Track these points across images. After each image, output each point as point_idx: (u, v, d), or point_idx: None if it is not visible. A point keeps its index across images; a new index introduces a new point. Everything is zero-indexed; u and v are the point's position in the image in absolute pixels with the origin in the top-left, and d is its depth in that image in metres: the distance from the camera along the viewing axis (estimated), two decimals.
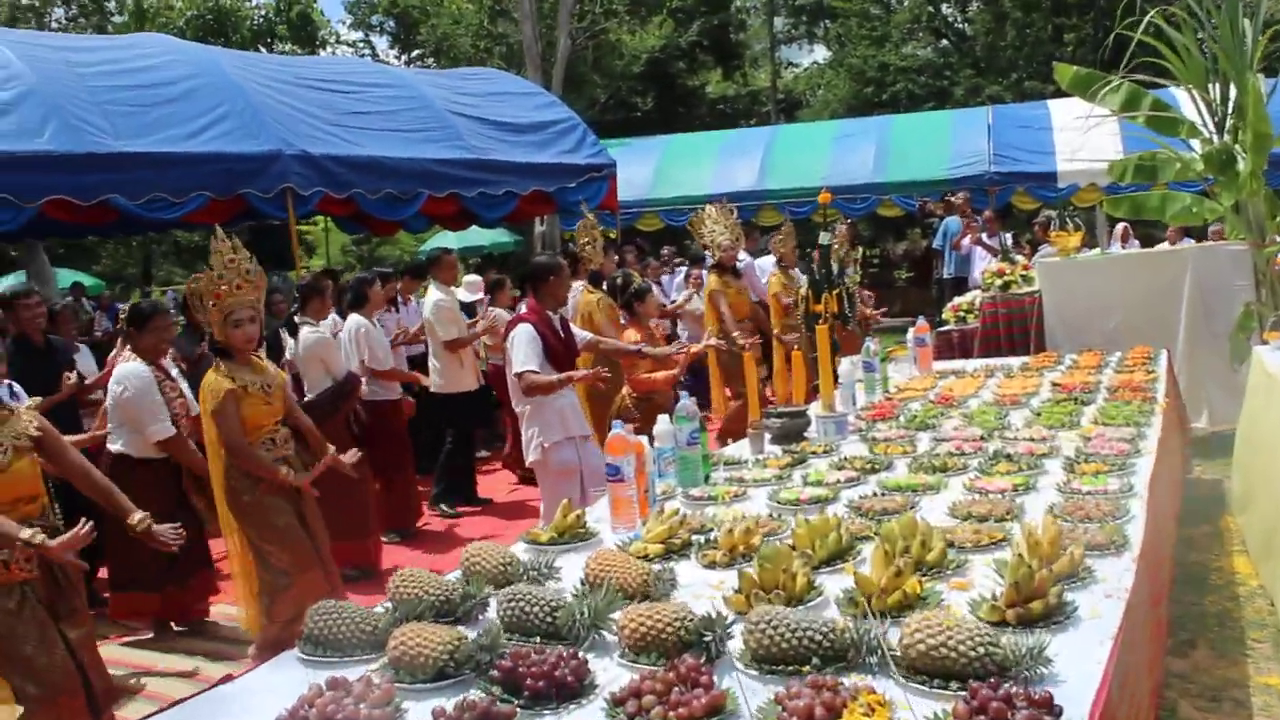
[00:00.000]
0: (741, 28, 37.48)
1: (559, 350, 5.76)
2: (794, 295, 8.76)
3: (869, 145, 17.57)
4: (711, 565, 3.00)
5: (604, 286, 7.94)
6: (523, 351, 5.66)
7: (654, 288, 7.38)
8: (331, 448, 5.11)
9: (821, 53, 38.71)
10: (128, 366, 5.86)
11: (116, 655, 5.88)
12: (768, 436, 4.71)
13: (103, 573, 6.89)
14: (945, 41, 31.65)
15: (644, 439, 3.61)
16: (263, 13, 24.15)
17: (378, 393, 7.58)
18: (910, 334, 6.76)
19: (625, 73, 31.42)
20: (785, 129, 22.66)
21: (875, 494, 3.61)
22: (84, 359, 7.26)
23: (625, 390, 6.44)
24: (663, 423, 4.03)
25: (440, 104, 11.23)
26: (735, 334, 8.09)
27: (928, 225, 16.36)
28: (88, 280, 23.33)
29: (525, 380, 5.60)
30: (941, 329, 8.97)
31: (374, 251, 32.79)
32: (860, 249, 9.85)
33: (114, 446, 6.03)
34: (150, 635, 6.21)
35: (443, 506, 8.44)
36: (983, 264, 12.24)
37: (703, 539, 3.21)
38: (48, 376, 6.08)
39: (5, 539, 3.61)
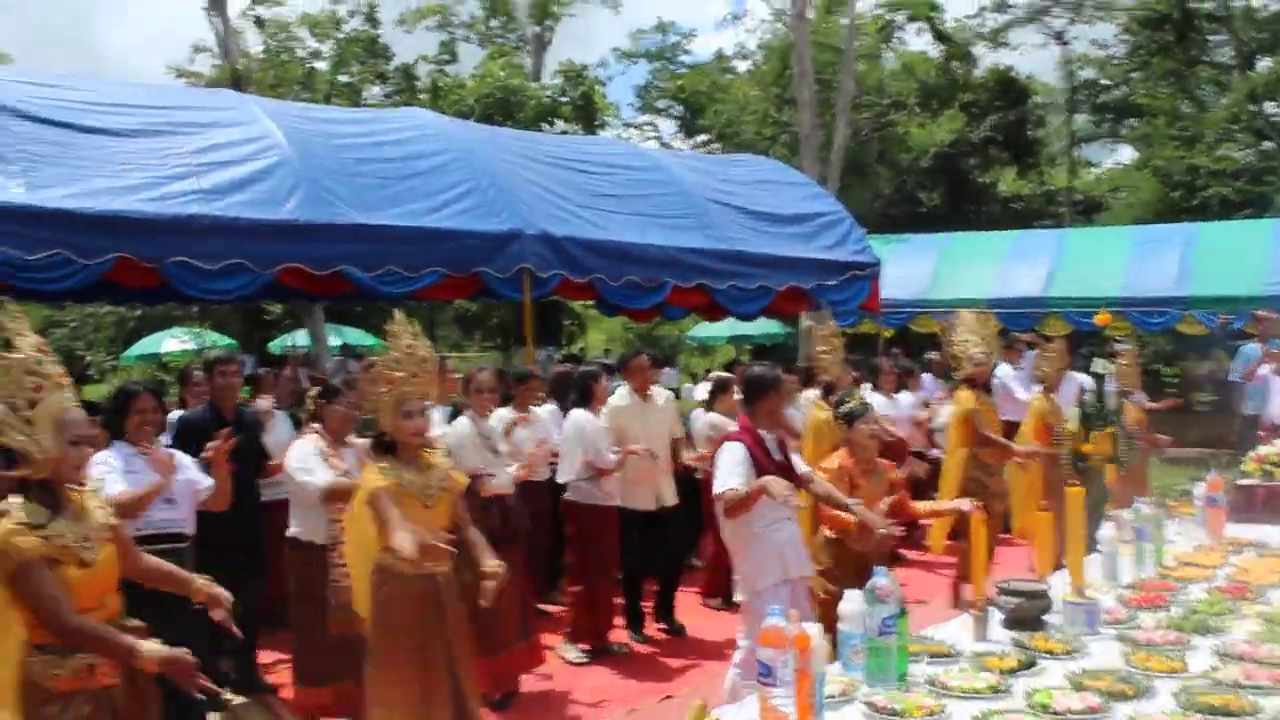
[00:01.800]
0: (1039, 124, 35.72)
1: (772, 475, 4.98)
2: (1060, 424, 7.68)
3: (1172, 254, 15.89)
4: None
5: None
6: (725, 469, 4.99)
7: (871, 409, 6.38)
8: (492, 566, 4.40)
9: (1126, 153, 36.42)
10: (298, 445, 5.72)
11: None
12: (996, 619, 3.78)
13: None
14: (1267, 143, 28.91)
15: (812, 628, 2.80)
16: (548, 93, 24.74)
17: (594, 495, 7.07)
18: (1199, 489, 5.58)
19: (913, 166, 30.54)
20: (1078, 232, 21.03)
21: None
22: (278, 428, 7.16)
23: (824, 527, 5.54)
24: (851, 601, 3.22)
25: (697, 190, 10.75)
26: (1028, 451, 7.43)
27: (1236, 346, 14.49)
28: (372, 342, 24.02)
29: (724, 500, 4.90)
30: (1242, 482, 7.52)
31: (652, 331, 32.85)
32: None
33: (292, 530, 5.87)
34: None
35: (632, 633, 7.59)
36: None
37: None
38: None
39: (114, 649, 3.24)
